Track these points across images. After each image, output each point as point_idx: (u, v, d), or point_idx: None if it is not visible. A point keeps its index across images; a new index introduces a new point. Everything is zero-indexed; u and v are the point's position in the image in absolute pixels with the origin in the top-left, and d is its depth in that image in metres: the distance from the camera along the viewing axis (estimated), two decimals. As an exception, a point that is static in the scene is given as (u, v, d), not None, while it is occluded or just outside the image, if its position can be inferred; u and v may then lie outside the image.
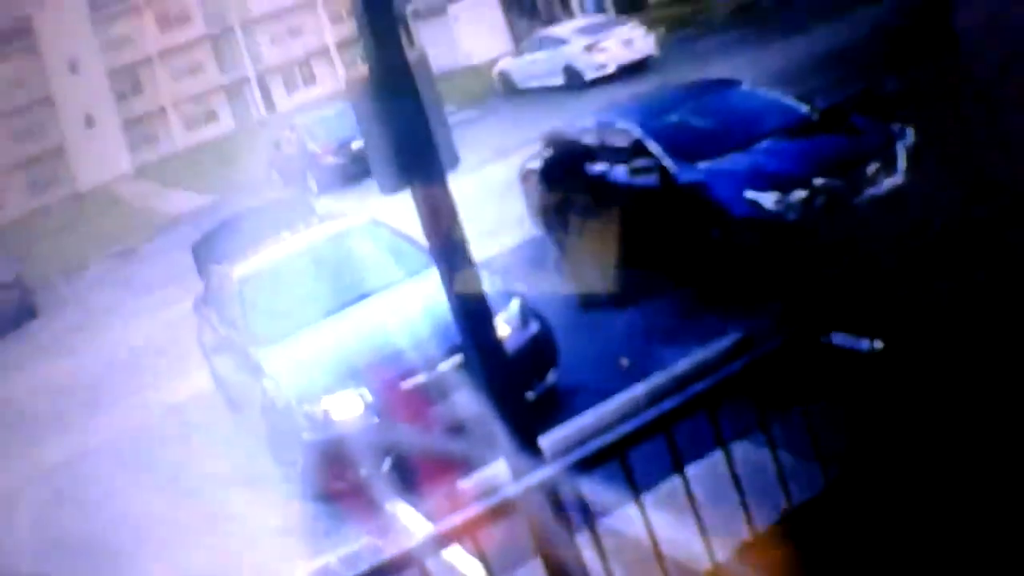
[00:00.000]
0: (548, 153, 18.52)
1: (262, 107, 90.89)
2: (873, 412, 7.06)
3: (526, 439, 8.02)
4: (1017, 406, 6.92)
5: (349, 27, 78.29)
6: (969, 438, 6.82)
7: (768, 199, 13.95)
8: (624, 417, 6.46)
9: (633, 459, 6.21)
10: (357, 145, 30.99)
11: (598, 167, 16.77)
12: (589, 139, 17.35)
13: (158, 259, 35.62)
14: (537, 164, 18.70)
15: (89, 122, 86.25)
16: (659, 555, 6.38)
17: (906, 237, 12.89)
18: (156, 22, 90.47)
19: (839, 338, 7.63)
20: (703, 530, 6.49)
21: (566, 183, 17.68)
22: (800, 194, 13.84)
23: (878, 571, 6.36)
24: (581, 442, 6.31)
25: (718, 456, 6.63)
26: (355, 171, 32.17)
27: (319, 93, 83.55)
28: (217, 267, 16.45)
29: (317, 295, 14.44)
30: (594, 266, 16.27)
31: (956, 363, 7.48)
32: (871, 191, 13.91)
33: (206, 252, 18.52)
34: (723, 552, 6.67)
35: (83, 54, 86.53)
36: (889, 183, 13.94)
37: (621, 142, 16.34)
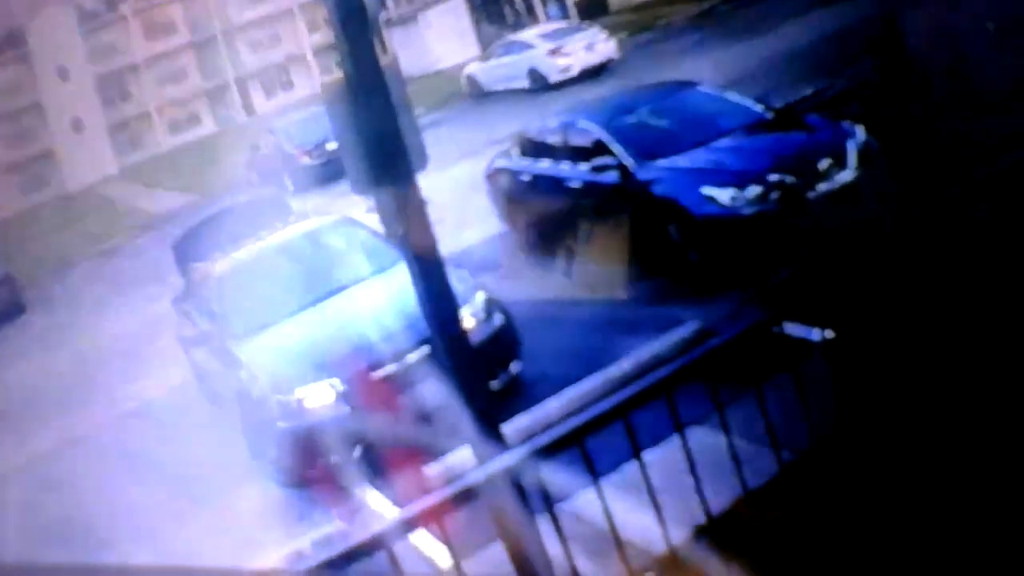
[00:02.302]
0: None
1: (242, 111, 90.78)
2: (824, 399, 6.97)
3: (490, 427, 7.95)
4: (959, 389, 6.86)
5: (325, 35, 78.04)
6: (916, 422, 6.75)
7: (724, 195, 13.89)
8: (584, 405, 6.35)
9: (593, 445, 6.11)
10: (331, 147, 30.94)
11: (561, 166, 16.69)
12: (553, 139, 17.26)
13: (142, 257, 35.44)
14: (503, 163, 18.61)
15: (77, 127, 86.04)
16: (617, 539, 6.29)
17: (856, 229, 12.85)
18: (142, 31, 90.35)
19: (791, 328, 7.55)
20: (659, 514, 6.39)
21: (530, 182, 17.62)
22: (755, 189, 13.80)
23: (829, 554, 6.28)
24: (542, 429, 6.22)
25: (675, 442, 6.53)
26: (329, 172, 32.05)
27: (296, 97, 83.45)
28: (197, 264, 16.32)
29: (292, 290, 14.37)
30: (558, 261, 16.21)
31: (902, 350, 7.42)
32: (824, 186, 13.89)
33: (186, 250, 18.45)
34: (678, 535, 6.58)
35: (72, 62, 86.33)
36: (841, 178, 13.92)
37: (583, 142, 16.29)
